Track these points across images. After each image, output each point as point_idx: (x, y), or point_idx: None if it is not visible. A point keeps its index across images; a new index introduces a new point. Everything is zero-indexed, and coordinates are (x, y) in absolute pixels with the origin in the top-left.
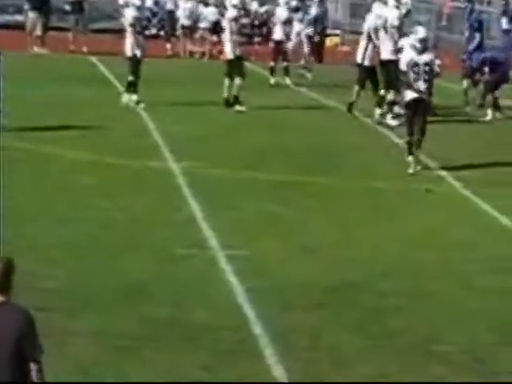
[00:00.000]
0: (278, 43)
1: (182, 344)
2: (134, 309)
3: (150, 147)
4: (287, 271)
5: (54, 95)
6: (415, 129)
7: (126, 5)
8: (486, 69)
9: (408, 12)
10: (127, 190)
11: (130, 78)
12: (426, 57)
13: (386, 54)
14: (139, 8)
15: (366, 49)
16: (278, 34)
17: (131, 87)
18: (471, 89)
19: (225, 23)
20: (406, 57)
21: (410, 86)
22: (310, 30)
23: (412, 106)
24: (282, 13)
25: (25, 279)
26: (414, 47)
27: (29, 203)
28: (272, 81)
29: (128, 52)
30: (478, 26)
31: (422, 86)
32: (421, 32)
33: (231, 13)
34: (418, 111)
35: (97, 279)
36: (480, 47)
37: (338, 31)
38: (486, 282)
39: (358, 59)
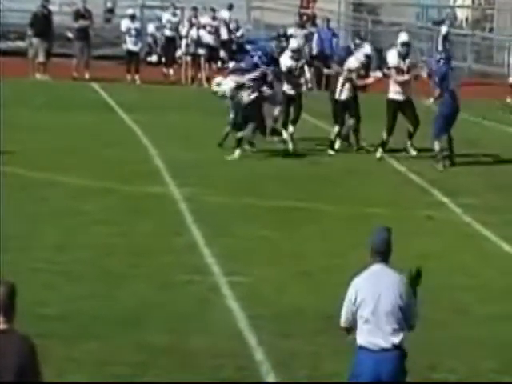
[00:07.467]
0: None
1: (183, 371)
2: (134, 336)
3: (152, 173)
4: (286, 297)
5: (54, 121)
6: None
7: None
8: None
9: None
10: (127, 215)
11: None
12: None
13: None
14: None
15: None
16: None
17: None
18: None
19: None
20: None
21: None
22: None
23: None
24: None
25: (24, 305)
26: None
27: (26, 229)
28: None
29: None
30: None
31: None
32: None
33: (287, 62)
34: None
35: (96, 305)
36: None
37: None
38: (484, 309)
39: None
